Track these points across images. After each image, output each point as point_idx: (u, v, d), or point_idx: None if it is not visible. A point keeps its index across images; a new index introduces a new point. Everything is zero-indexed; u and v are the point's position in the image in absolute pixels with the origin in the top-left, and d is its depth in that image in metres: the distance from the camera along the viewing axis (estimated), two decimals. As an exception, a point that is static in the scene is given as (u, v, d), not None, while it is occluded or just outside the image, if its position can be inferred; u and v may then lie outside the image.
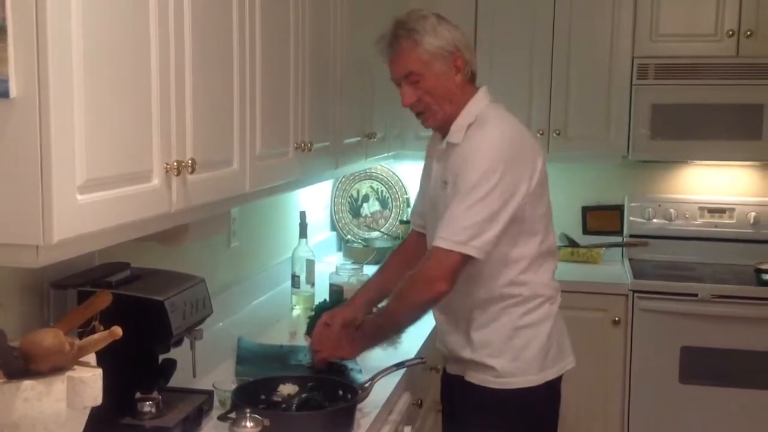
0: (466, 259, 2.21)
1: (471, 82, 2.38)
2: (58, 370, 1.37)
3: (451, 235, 2.20)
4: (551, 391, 2.45)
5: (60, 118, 1.32)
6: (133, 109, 1.56)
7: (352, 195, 4.41)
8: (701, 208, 4.12)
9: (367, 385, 2.15)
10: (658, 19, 3.83)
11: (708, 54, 3.79)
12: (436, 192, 2.40)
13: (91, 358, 1.44)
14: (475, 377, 2.40)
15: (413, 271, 2.29)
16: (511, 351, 2.37)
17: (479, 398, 2.40)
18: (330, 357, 2.36)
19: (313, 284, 3.20)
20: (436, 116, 2.36)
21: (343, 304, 2.62)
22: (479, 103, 2.35)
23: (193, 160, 1.73)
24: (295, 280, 3.19)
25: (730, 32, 3.75)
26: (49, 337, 1.34)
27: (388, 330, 2.38)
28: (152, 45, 1.61)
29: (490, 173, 2.20)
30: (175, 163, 1.67)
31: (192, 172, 1.73)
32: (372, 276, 2.68)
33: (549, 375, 2.41)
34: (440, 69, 2.31)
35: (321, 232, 4.16)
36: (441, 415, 2.71)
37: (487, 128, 2.29)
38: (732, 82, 3.76)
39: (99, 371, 1.39)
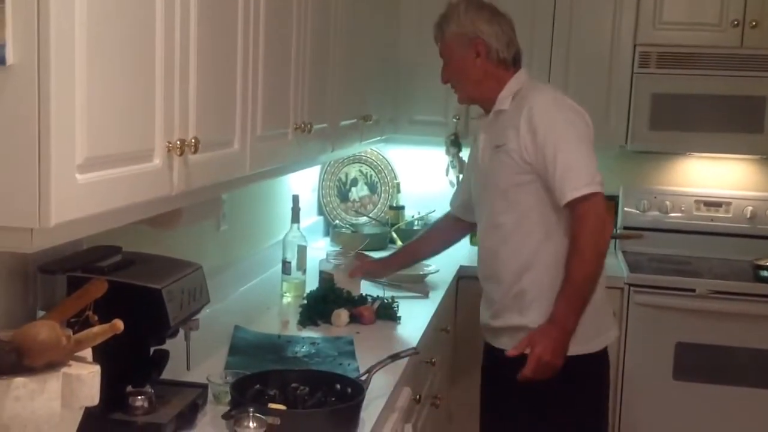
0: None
1: (505, 66, 2.59)
2: (52, 366, 1.24)
3: (585, 180, 2.36)
4: (605, 356, 2.60)
5: (61, 88, 1.20)
6: (136, 84, 1.44)
7: (340, 178, 4.28)
8: (697, 201, 4.03)
9: (364, 378, 2.04)
10: (662, 6, 3.73)
11: (712, 44, 3.69)
12: (487, 162, 2.57)
13: (87, 353, 1.32)
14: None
15: (575, 231, 2.37)
16: None
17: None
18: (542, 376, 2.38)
19: (304, 271, 3.08)
20: (460, 95, 2.70)
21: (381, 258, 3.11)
22: (521, 78, 2.59)
23: (196, 139, 1.62)
24: (285, 267, 3.06)
25: (735, 22, 3.65)
26: (45, 331, 1.22)
27: (588, 294, 2.39)
28: (157, 19, 1.50)
29: (568, 117, 2.47)
30: (178, 142, 1.56)
31: (195, 151, 1.61)
32: (407, 243, 3.15)
33: (604, 341, 2.57)
34: (460, 53, 2.59)
35: (308, 216, 4.03)
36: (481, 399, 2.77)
37: (538, 90, 2.54)
38: (735, 73, 3.67)
39: (97, 368, 1.27)
